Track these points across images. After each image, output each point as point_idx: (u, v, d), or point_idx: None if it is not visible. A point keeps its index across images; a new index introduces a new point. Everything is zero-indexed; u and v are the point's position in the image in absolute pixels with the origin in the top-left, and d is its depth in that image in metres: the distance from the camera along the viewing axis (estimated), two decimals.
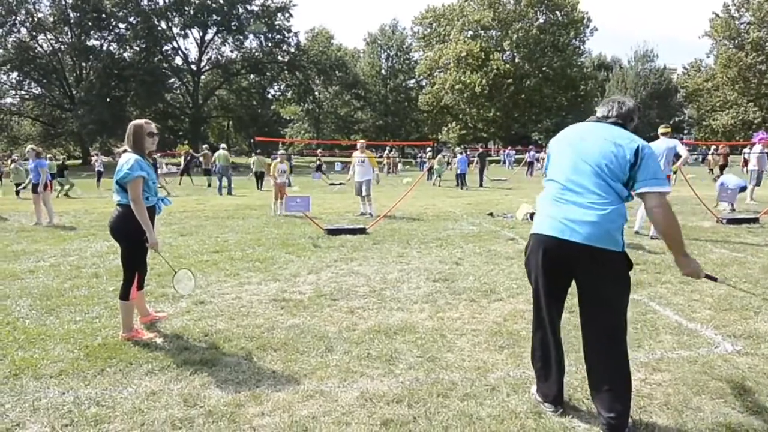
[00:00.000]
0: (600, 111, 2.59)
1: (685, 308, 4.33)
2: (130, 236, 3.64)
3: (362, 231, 8.15)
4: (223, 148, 18.12)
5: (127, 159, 3.60)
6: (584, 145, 2.48)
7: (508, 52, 50.08)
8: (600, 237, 2.35)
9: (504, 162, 37.14)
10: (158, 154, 17.19)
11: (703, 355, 3.39)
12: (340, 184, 20.36)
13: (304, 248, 6.96)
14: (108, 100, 43.80)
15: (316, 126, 60.51)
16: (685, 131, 55.62)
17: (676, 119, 53.06)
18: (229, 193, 16.39)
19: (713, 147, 24.16)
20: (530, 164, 26.96)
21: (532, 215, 9.36)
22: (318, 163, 25.21)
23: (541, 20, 48.93)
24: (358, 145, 10.68)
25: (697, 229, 8.23)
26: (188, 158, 22.87)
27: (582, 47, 51.96)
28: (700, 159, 37.19)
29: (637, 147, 2.36)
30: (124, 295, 3.76)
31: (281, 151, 11.85)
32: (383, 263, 6.14)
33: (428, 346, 3.59)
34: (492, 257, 6.41)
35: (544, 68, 48.52)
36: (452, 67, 48.08)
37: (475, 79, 46.09)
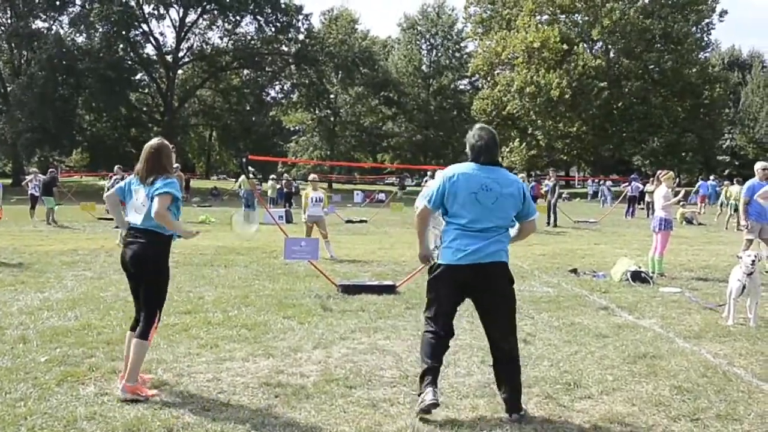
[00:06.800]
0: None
1: None
2: (160, 265, 4.53)
3: (390, 289, 8.42)
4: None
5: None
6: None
7: (599, 44, 50.34)
8: None
9: (595, 196, 37.25)
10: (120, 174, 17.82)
11: None
12: (361, 221, 21.41)
13: (310, 311, 7.21)
14: (54, 100, 45.07)
15: (329, 140, 61.45)
16: None
17: None
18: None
19: None
20: (632, 201, 26.85)
21: (634, 274, 9.31)
22: (399, 182, 25.05)
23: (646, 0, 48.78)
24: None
25: None
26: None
27: (706, 38, 51.77)
28: None
29: None
30: (145, 333, 4.43)
31: (313, 176, 13.02)
32: (420, 337, 6.09)
33: None
34: (576, 334, 6.42)
35: (650, 67, 48.50)
36: (520, 63, 48.26)
37: (552, 79, 46.01)
